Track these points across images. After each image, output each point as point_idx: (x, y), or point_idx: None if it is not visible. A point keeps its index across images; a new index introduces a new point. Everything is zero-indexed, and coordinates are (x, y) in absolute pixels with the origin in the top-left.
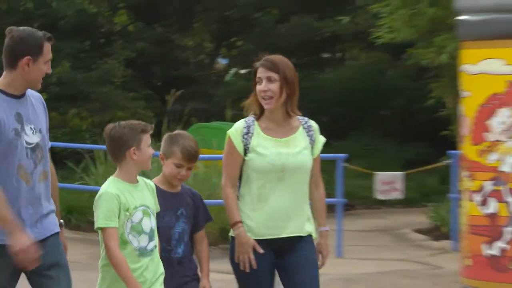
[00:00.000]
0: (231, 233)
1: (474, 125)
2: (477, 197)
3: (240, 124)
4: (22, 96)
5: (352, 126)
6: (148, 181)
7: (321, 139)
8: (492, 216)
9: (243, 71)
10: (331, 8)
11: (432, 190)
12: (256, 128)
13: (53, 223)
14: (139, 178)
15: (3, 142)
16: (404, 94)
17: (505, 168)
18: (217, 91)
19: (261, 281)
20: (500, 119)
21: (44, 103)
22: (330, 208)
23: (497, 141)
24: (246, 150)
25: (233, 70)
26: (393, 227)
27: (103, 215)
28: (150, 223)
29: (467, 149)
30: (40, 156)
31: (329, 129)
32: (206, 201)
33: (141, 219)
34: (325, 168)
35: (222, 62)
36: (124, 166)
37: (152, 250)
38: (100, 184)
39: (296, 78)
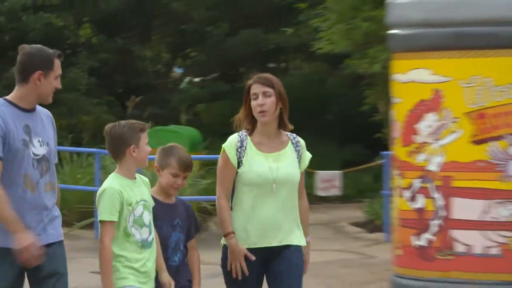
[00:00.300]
0: (223, 241)
1: (404, 128)
2: (407, 194)
3: (234, 138)
4: (32, 110)
5: (296, 129)
6: (142, 176)
7: (307, 155)
8: (420, 210)
9: (196, 79)
10: (276, 22)
11: (367, 187)
12: (249, 143)
13: (57, 231)
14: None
15: (11, 152)
16: (342, 101)
17: (431, 167)
18: (173, 98)
19: (247, 286)
20: (427, 123)
21: (53, 120)
22: None
23: (425, 143)
24: (239, 163)
25: (187, 79)
26: (333, 221)
27: (105, 209)
28: (148, 217)
29: (398, 150)
30: (45, 168)
31: None
32: None
33: (142, 212)
34: None
35: (177, 71)
36: (124, 163)
37: (151, 242)
38: (67, 182)
39: (285, 93)
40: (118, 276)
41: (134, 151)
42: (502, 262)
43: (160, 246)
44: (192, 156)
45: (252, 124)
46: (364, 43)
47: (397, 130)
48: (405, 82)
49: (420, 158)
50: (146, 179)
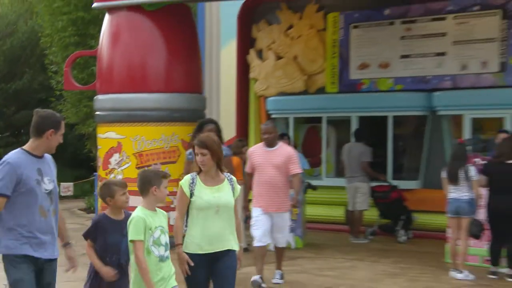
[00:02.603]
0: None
1: (103, 161)
2: None
3: (188, 177)
4: (42, 156)
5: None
6: (161, 210)
7: (238, 187)
8: None
9: None
10: (39, 107)
11: (87, 190)
12: (198, 180)
13: (57, 250)
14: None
15: (26, 189)
16: (73, 146)
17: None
18: None
19: (198, 280)
20: (114, 158)
21: (54, 162)
22: None
23: (113, 168)
24: (191, 194)
25: None
26: (70, 208)
27: (134, 232)
28: (165, 238)
29: (100, 172)
30: (52, 198)
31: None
32: None
33: (160, 235)
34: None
35: None
36: (147, 199)
37: (167, 257)
38: None
39: (219, 148)
40: (141, 284)
41: (155, 191)
42: None
43: (115, 249)
44: None
45: (200, 168)
46: (84, 118)
47: (100, 162)
48: (103, 138)
49: (111, 176)
50: (164, 212)
